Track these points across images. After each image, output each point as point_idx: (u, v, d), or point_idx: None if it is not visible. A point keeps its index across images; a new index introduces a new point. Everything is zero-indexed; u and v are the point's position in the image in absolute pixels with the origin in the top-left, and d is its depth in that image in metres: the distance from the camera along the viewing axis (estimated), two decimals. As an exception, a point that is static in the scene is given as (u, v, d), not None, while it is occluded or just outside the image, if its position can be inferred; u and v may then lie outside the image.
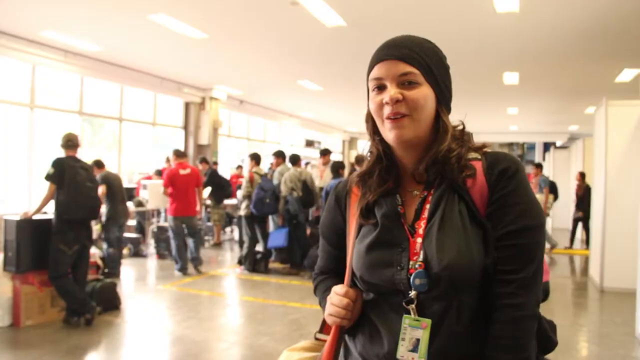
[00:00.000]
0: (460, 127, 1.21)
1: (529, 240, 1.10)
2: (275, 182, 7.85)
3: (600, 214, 6.77)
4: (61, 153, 5.06)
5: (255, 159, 8.11)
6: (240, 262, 7.92)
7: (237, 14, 6.63)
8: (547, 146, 20.97)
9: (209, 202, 10.12)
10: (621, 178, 6.44)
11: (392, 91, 1.13)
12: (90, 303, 4.91)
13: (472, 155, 1.17)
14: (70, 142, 5.05)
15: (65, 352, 4.26)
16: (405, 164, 1.22)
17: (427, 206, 1.15)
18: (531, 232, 1.10)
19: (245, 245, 7.84)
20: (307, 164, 9.67)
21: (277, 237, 7.70)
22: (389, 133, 1.15)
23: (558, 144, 20.34)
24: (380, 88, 1.16)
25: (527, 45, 7.70)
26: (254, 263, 7.70)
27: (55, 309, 5.04)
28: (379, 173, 1.23)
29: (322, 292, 1.34)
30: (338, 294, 1.20)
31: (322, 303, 1.30)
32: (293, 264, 7.70)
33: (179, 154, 7.69)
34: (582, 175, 10.39)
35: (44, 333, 4.68)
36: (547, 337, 1.16)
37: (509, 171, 1.11)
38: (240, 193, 8.01)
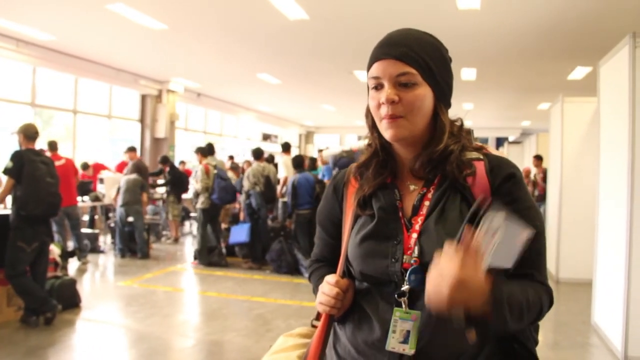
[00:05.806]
0: (458, 123, 1.24)
1: (540, 244, 1.14)
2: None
3: (556, 208, 6.97)
4: (16, 146, 4.86)
5: (202, 151, 8.14)
6: (195, 257, 7.82)
7: (198, 4, 6.51)
8: (500, 141, 21.48)
9: (166, 197, 9.93)
10: (576, 172, 6.65)
11: (388, 91, 1.13)
12: (52, 301, 4.73)
13: (474, 155, 1.19)
14: (28, 133, 4.86)
15: (25, 353, 4.10)
16: (404, 159, 1.24)
17: (427, 203, 1.16)
18: (541, 236, 1.14)
19: (197, 240, 7.81)
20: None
21: (239, 232, 7.62)
22: (385, 132, 1.17)
23: (511, 139, 20.85)
24: (378, 87, 1.16)
25: (486, 42, 7.86)
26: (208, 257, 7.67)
27: (12, 308, 4.84)
28: (375, 166, 1.25)
29: (316, 280, 1.37)
30: (329, 283, 1.21)
31: (315, 290, 1.32)
32: (255, 259, 7.64)
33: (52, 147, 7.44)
34: None
35: (1, 334, 4.49)
36: (530, 336, 1.20)
37: (514, 177, 1.15)
38: (197, 186, 7.82)
